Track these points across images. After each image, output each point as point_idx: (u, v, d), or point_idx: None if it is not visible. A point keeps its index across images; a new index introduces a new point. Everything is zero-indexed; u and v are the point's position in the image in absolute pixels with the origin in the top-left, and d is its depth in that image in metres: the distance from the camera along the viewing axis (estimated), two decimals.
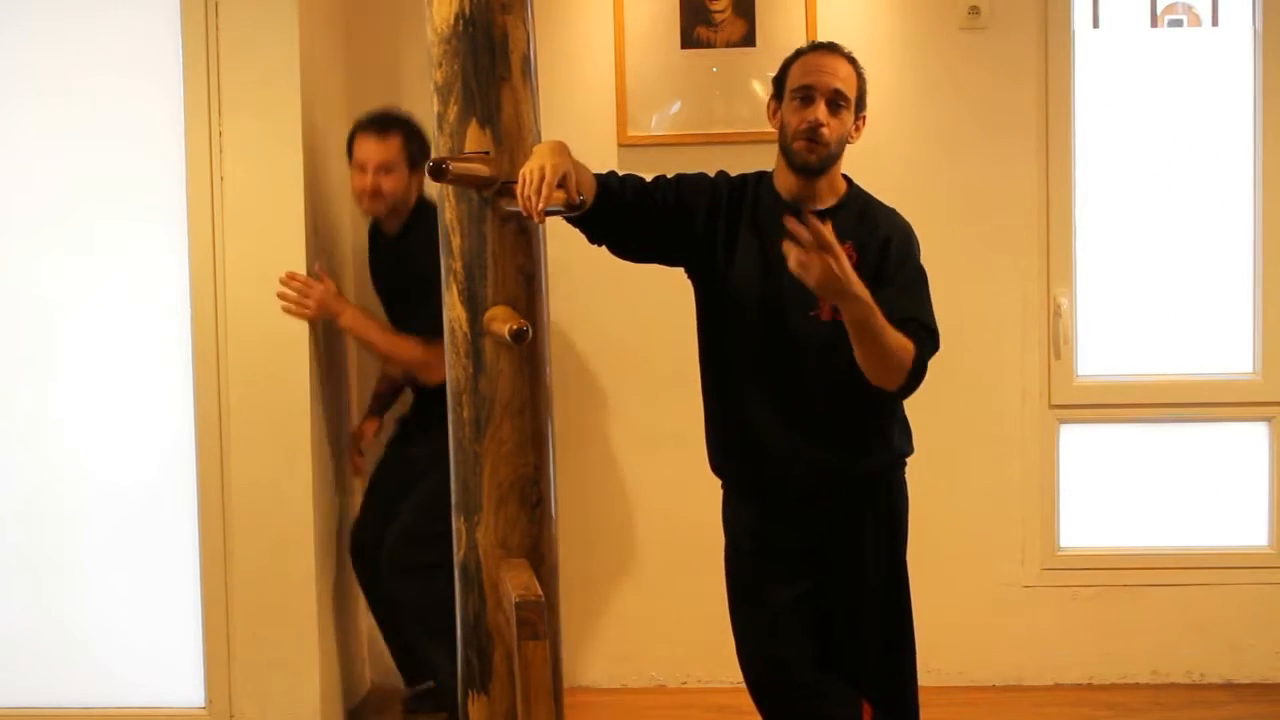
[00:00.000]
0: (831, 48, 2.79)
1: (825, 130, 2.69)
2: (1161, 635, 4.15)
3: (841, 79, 2.71)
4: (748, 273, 2.75)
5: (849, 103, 2.72)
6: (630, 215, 2.71)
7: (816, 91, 2.70)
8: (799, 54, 2.78)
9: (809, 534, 2.82)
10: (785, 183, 2.78)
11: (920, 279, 2.75)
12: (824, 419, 2.75)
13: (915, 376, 2.66)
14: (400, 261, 3.75)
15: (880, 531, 2.84)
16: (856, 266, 2.68)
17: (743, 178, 2.84)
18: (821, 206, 2.77)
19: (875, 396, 2.77)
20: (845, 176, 2.84)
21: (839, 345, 2.68)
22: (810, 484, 2.78)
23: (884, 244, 2.73)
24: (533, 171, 2.23)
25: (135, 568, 3.82)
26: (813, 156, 2.70)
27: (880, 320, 2.56)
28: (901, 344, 2.61)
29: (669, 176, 2.81)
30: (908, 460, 2.91)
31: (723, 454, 2.88)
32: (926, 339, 2.67)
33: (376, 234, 3.87)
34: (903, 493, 2.90)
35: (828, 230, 2.46)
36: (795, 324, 2.72)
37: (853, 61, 2.76)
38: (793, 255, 2.48)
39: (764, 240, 2.75)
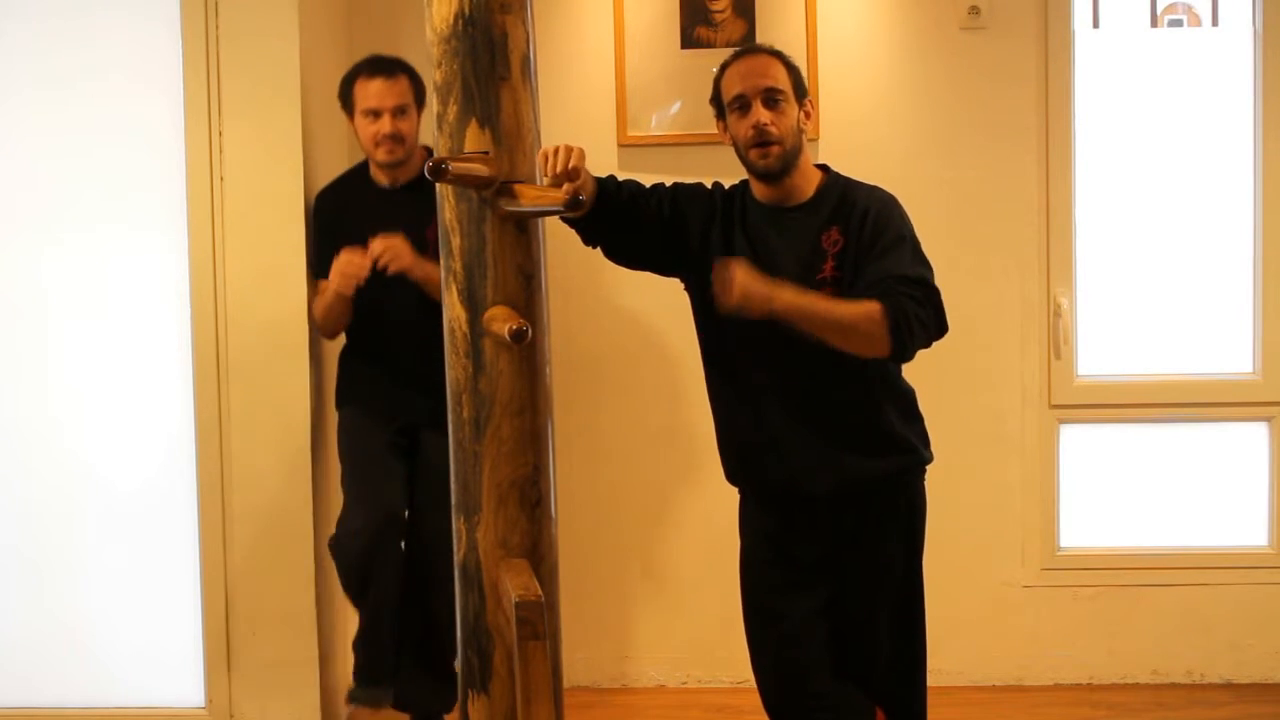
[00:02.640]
0: (752, 51, 2.81)
1: (771, 129, 2.70)
2: (1161, 635, 4.15)
3: (771, 76, 2.73)
4: None
5: (786, 95, 2.73)
6: (626, 219, 2.72)
7: (750, 96, 2.72)
8: (724, 68, 2.80)
9: (827, 540, 2.81)
10: (760, 190, 2.80)
11: (898, 240, 2.70)
12: (834, 417, 2.75)
13: (902, 333, 2.59)
14: (424, 214, 3.37)
15: (898, 539, 2.84)
16: (844, 249, 2.69)
17: (732, 188, 2.86)
18: (801, 200, 2.77)
19: (885, 393, 2.78)
20: (823, 166, 2.85)
21: None
22: (825, 485, 2.77)
23: (863, 217, 2.72)
24: (553, 149, 2.32)
25: (135, 568, 3.82)
26: (770, 160, 2.72)
27: (817, 305, 2.57)
28: (857, 312, 2.58)
29: (666, 185, 2.82)
30: (926, 469, 2.90)
31: (736, 461, 2.87)
32: (900, 288, 2.61)
33: (366, 188, 3.56)
34: (922, 500, 2.90)
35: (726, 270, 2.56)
36: None
37: (777, 55, 2.78)
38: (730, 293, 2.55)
39: (757, 246, 2.76)
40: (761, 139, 2.70)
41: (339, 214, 3.59)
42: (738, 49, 2.87)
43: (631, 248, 2.79)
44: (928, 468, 2.91)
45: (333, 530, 3.71)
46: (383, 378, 3.59)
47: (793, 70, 2.77)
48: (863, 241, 2.70)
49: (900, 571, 2.85)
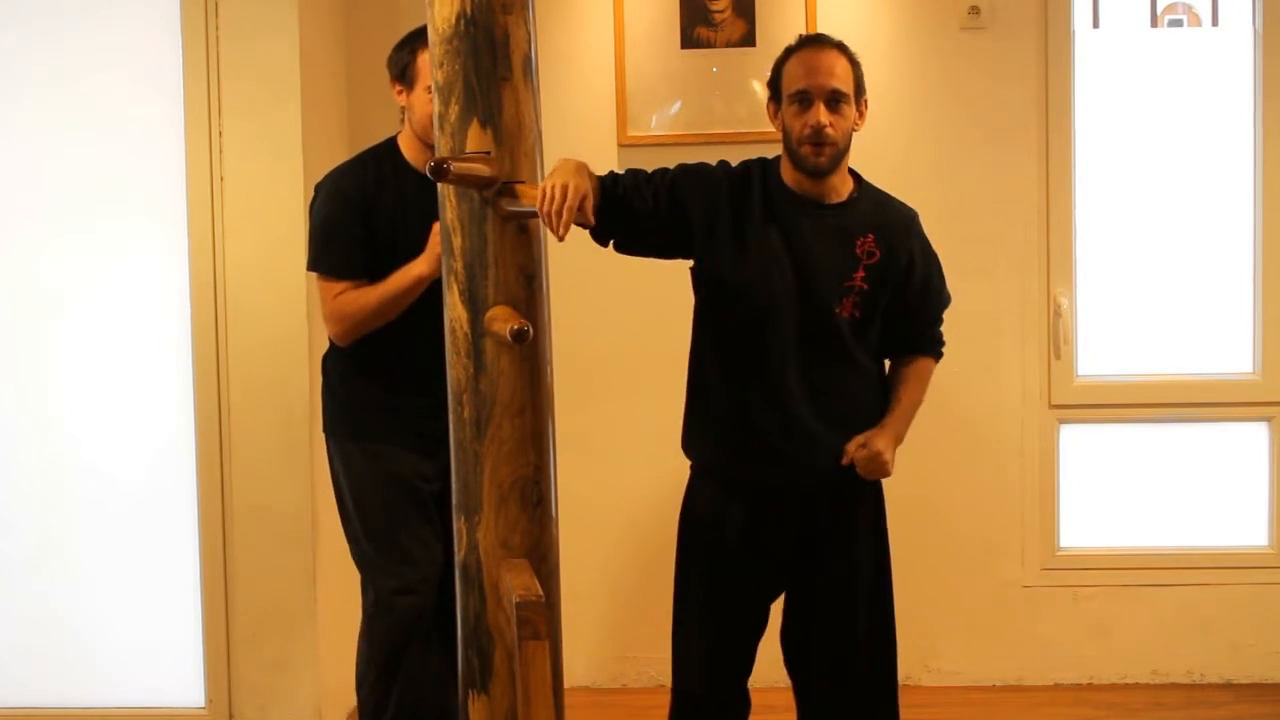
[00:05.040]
0: (821, 42, 2.76)
1: (829, 130, 2.67)
2: (1161, 635, 4.15)
3: (838, 76, 2.69)
4: (770, 267, 2.72)
5: (848, 97, 2.71)
6: (628, 219, 2.71)
7: (813, 94, 2.68)
8: (790, 53, 2.76)
9: (797, 536, 2.80)
10: (796, 181, 2.77)
11: (941, 280, 2.90)
12: (829, 412, 2.75)
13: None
14: None
15: (868, 540, 2.82)
16: (879, 263, 2.73)
17: (745, 166, 2.81)
18: (837, 200, 2.76)
19: (877, 391, 2.80)
20: (850, 170, 2.83)
21: (857, 341, 2.70)
22: (813, 480, 2.76)
23: (909, 258, 2.79)
24: (555, 188, 2.27)
25: (135, 567, 3.82)
26: (821, 159, 2.70)
27: (913, 409, 2.85)
28: (925, 380, 2.88)
29: (669, 171, 2.78)
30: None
31: (716, 447, 2.84)
32: (939, 337, 2.93)
33: (403, 173, 3.12)
34: (883, 502, 2.89)
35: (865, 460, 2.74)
36: (815, 318, 2.72)
37: (844, 51, 2.74)
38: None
39: (787, 235, 2.73)
40: (817, 139, 2.68)
41: (374, 201, 3.10)
42: (804, 36, 2.82)
43: (638, 243, 2.78)
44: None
45: (329, 541, 3.66)
46: (418, 404, 3.10)
47: (856, 67, 2.74)
48: (913, 282, 2.81)
49: (872, 566, 2.83)
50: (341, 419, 3.22)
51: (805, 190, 2.75)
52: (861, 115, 2.76)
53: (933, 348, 2.91)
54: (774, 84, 2.78)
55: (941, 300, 2.91)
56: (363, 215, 3.09)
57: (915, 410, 2.84)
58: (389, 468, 3.14)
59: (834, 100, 2.68)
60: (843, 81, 2.70)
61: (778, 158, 2.80)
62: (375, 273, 3.06)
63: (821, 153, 2.68)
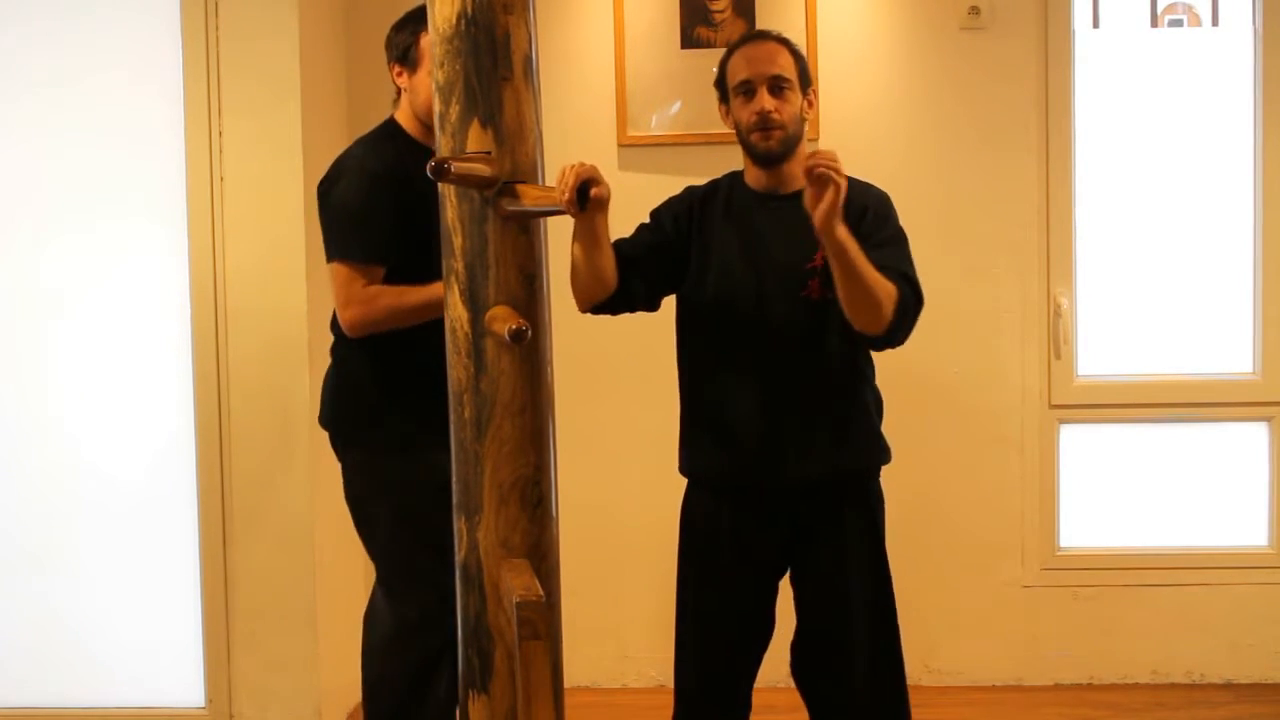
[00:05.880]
0: (761, 36, 2.81)
1: (775, 114, 2.70)
2: (1161, 635, 4.15)
3: (780, 65, 2.73)
4: (729, 266, 2.75)
5: (791, 83, 2.73)
6: (642, 269, 2.76)
7: (755, 82, 2.72)
8: (731, 51, 2.80)
9: (789, 538, 2.79)
10: (755, 177, 2.80)
11: (898, 237, 2.74)
12: (812, 407, 2.74)
13: (900, 320, 2.61)
14: None
15: (864, 533, 2.81)
16: None
17: (713, 182, 2.86)
18: (795, 189, 2.77)
19: (862, 386, 2.78)
20: None
21: (827, 326, 2.68)
22: (796, 478, 2.76)
23: (861, 211, 2.72)
24: (578, 163, 2.37)
25: (135, 567, 3.83)
26: (771, 143, 2.72)
27: (862, 257, 2.53)
28: (883, 284, 2.57)
29: (646, 221, 2.84)
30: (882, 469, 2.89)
31: (706, 453, 2.85)
32: (906, 286, 2.64)
33: (423, 156, 2.70)
34: (882, 502, 2.87)
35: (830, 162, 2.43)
36: (783, 308, 2.72)
37: (784, 43, 2.78)
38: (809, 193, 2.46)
39: (743, 231, 2.76)
40: (764, 124, 2.70)
41: (404, 177, 2.97)
42: (745, 34, 2.87)
43: (657, 279, 2.81)
44: (885, 469, 2.90)
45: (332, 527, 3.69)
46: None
47: (799, 59, 2.77)
48: (860, 233, 2.66)
49: (869, 569, 2.81)
50: (384, 427, 3.06)
51: (764, 185, 2.78)
52: (810, 105, 2.78)
53: (899, 279, 2.63)
54: (720, 83, 2.81)
55: (903, 249, 2.72)
56: (394, 194, 2.97)
57: (861, 262, 2.53)
58: (444, 477, 2.86)
59: (777, 86, 2.71)
60: (785, 69, 2.73)
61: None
62: (402, 253, 2.96)
63: (770, 136, 2.71)
